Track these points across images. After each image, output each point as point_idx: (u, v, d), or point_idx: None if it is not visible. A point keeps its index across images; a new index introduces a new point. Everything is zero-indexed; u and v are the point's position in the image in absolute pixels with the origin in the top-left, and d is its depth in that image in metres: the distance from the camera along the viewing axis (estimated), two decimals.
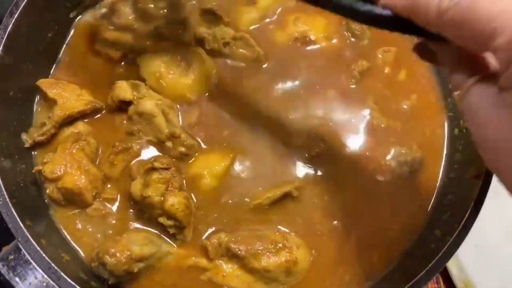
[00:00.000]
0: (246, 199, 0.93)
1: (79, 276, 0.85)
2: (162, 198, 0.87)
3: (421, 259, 0.86)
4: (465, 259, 1.12)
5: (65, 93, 0.96)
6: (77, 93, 0.97)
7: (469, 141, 0.95)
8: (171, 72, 0.99)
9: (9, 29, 0.92)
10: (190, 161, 0.95)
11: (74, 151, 0.91)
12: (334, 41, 1.06)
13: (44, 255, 0.80)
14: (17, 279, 0.79)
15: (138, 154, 0.95)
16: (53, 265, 0.80)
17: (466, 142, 0.96)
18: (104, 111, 0.99)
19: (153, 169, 0.88)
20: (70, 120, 0.96)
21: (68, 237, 0.92)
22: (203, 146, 0.96)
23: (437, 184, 0.98)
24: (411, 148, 0.98)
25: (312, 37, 1.06)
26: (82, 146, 0.92)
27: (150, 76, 0.99)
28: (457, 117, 1.00)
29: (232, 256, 0.88)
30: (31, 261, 0.80)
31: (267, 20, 1.07)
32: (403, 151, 0.98)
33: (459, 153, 0.97)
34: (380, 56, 1.06)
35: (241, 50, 1.03)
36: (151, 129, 0.95)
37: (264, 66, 1.03)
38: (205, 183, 0.94)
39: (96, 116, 0.99)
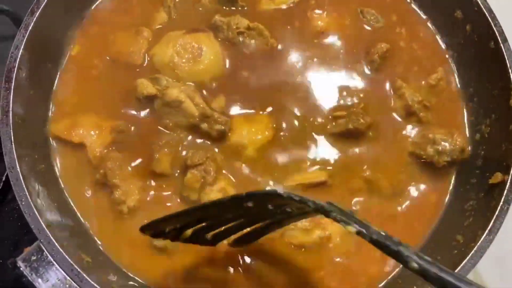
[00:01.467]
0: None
1: (101, 278, 0.84)
2: (199, 196, 0.90)
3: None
4: (480, 264, 1.12)
5: (87, 131, 0.96)
6: (98, 125, 0.97)
7: (491, 147, 0.95)
8: (184, 60, 0.98)
9: (30, 28, 0.92)
10: (228, 137, 0.96)
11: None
12: (350, 31, 1.07)
13: (66, 256, 0.80)
14: (39, 280, 0.79)
15: (179, 144, 0.95)
16: (75, 267, 0.79)
17: (488, 147, 0.96)
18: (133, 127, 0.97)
19: (187, 166, 0.90)
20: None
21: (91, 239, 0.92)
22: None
23: (458, 190, 0.98)
24: (452, 136, 0.96)
25: (329, 29, 1.06)
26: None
27: (165, 67, 0.99)
28: (479, 122, 1.00)
29: None
30: (54, 262, 0.79)
31: (283, 9, 1.08)
32: (442, 138, 0.96)
33: (481, 159, 0.97)
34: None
35: (254, 40, 1.03)
36: (183, 116, 0.95)
37: (278, 52, 1.04)
38: (246, 154, 0.95)
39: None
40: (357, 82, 1.02)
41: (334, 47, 1.05)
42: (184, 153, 0.95)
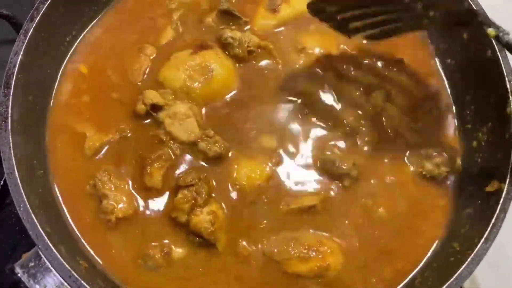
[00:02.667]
0: (280, 205, 0.94)
1: (98, 284, 0.84)
2: (188, 218, 0.89)
3: (440, 272, 0.87)
4: (478, 272, 1.12)
5: (89, 126, 0.98)
6: (99, 127, 0.98)
7: (488, 154, 0.96)
8: (197, 83, 0.99)
9: (30, 34, 0.92)
10: (225, 163, 0.96)
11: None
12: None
13: (64, 262, 0.80)
14: (37, 286, 0.79)
15: (172, 159, 0.95)
16: (73, 273, 0.79)
17: (485, 155, 0.96)
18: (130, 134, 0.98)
19: (179, 187, 0.90)
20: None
21: (88, 246, 0.91)
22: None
23: (455, 197, 0.98)
24: (444, 148, 0.97)
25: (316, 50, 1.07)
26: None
27: (178, 92, 0.99)
28: (475, 129, 1.00)
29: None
30: (52, 269, 0.79)
31: (279, 30, 1.09)
32: (435, 151, 0.97)
33: (477, 166, 0.97)
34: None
35: (262, 60, 1.04)
36: (184, 130, 0.95)
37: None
38: (243, 188, 0.94)
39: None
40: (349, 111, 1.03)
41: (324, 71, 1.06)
42: (177, 171, 0.95)
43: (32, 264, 0.80)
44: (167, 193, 0.94)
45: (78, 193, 0.94)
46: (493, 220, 0.83)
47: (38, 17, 0.93)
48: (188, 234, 0.91)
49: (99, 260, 0.90)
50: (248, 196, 0.94)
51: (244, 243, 0.91)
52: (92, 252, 0.91)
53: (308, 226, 0.92)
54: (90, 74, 1.04)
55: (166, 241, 0.91)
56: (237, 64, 1.03)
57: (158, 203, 0.93)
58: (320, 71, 1.05)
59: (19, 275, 0.79)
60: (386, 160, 0.99)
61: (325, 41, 1.08)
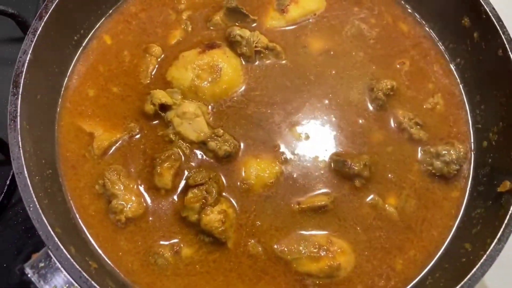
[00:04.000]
0: (291, 204, 0.94)
1: (108, 284, 0.84)
2: (198, 217, 0.89)
3: (452, 273, 0.86)
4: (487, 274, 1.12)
5: (98, 125, 0.98)
6: (107, 126, 0.98)
7: (499, 154, 0.95)
8: (205, 82, 0.99)
9: (38, 33, 0.91)
10: (234, 162, 0.95)
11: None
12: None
13: (74, 263, 0.79)
14: (47, 287, 0.78)
15: (181, 159, 0.95)
16: (84, 273, 0.79)
17: (495, 155, 0.96)
18: (138, 134, 0.98)
19: (189, 186, 0.90)
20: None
21: (97, 246, 0.91)
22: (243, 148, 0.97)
23: (465, 197, 0.98)
24: (454, 146, 0.97)
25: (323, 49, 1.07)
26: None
27: (187, 92, 0.99)
28: (486, 129, 0.99)
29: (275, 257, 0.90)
30: (62, 269, 0.79)
31: (288, 29, 1.09)
32: (444, 149, 0.97)
33: (488, 166, 0.97)
34: (398, 66, 1.07)
35: (269, 61, 1.04)
36: (194, 130, 0.95)
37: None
38: (253, 187, 0.94)
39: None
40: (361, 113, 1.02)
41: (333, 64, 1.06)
42: (186, 170, 0.94)
43: (42, 264, 0.80)
44: (176, 193, 0.93)
45: (87, 192, 0.94)
46: (506, 221, 0.83)
47: (47, 15, 0.93)
48: (198, 233, 0.90)
49: (108, 260, 0.90)
50: (258, 195, 0.94)
51: (254, 242, 0.91)
52: (101, 252, 0.90)
53: (319, 226, 0.92)
54: (99, 72, 1.03)
55: (176, 240, 0.91)
56: (244, 62, 1.03)
57: (168, 203, 0.93)
58: (325, 70, 1.05)
59: (29, 275, 0.78)
60: (395, 160, 0.99)
61: (333, 40, 1.08)
